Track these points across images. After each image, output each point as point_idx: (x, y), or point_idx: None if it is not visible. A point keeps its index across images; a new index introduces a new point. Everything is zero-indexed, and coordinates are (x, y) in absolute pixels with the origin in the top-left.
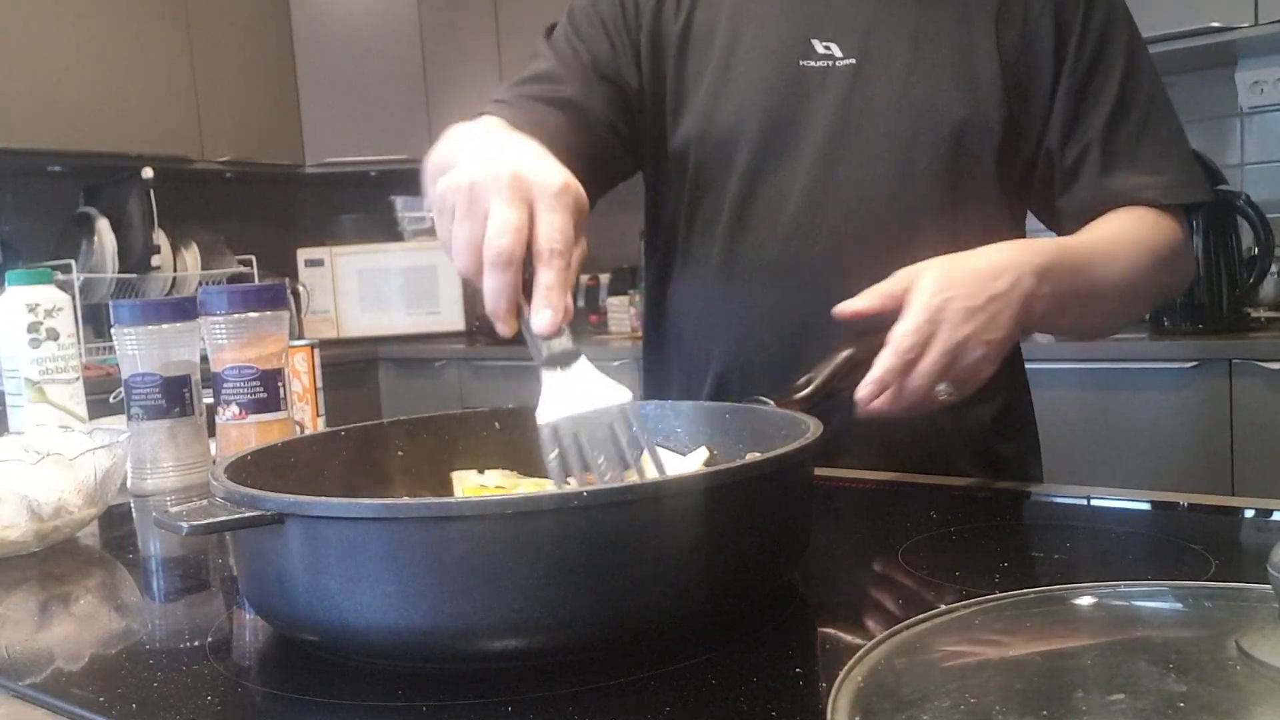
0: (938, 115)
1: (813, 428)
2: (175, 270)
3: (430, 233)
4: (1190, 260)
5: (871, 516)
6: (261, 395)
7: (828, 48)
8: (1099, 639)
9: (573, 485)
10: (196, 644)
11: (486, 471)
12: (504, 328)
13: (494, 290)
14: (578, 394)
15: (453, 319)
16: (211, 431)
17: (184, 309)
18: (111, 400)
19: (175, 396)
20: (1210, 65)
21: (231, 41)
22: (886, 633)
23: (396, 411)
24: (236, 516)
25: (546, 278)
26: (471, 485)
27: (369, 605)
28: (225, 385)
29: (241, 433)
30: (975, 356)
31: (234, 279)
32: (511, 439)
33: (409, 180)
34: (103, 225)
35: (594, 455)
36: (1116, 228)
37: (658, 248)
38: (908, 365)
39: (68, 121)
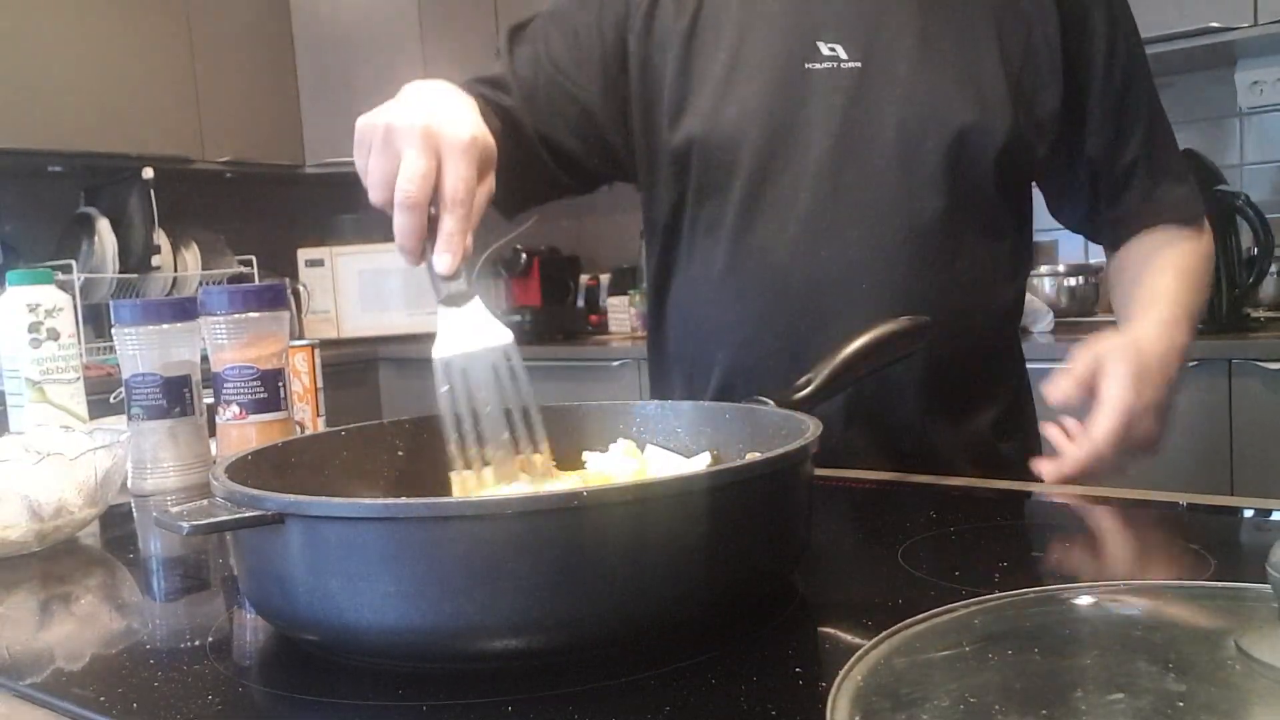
0: (943, 119)
1: (813, 428)
2: (176, 270)
3: None
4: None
5: (871, 516)
6: (262, 395)
7: (833, 50)
8: (1098, 638)
9: (461, 419)
10: (197, 644)
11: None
12: (410, 260)
13: (401, 229)
14: (468, 331)
15: None
16: (212, 431)
17: (184, 309)
18: (112, 400)
19: (176, 396)
20: (1210, 65)
21: (232, 41)
22: (886, 633)
23: (396, 411)
24: (237, 516)
25: (448, 224)
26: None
27: (369, 605)
28: (226, 385)
29: (242, 433)
30: (1152, 436)
31: (234, 279)
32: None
33: None
34: (103, 225)
35: (478, 390)
36: (1182, 267)
37: (656, 249)
38: (1101, 459)
39: (68, 122)
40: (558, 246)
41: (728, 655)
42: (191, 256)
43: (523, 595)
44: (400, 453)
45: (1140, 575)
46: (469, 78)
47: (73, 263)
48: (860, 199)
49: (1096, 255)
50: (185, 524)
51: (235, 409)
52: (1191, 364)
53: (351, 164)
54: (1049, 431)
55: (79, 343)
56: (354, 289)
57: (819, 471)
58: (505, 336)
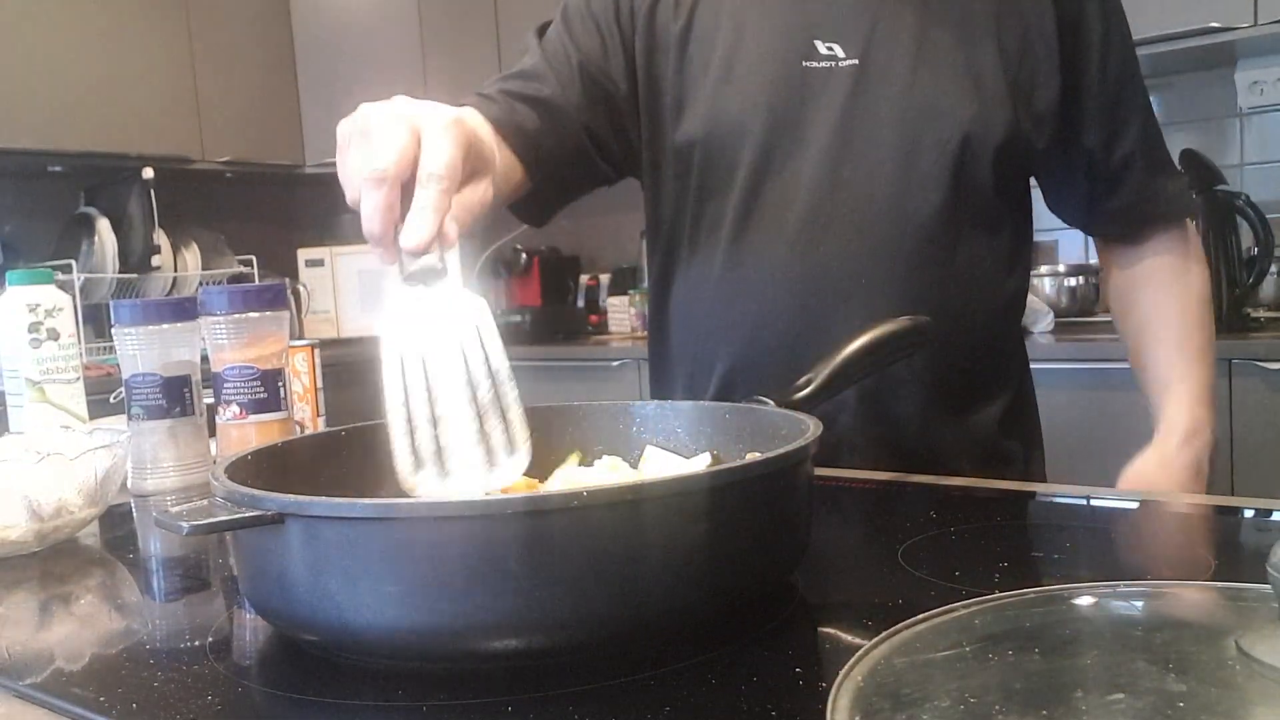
0: (941, 116)
1: (813, 428)
2: (176, 270)
3: None
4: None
5: (871, 516)
6: (262, 395)
7: (830, 48)
8: (1098, 638)
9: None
10: (197, 644)
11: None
12: (382, 253)
13: (369, 210)
14: (430, 312)
15: None
16: (212, 431)
17: (184, 309)
18: (112, 400)
19: (176, 396)
20: (1210, 65)
21: (232, 42)
22: (886, 633)
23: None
24: (237, 516)
25: (422, 199)
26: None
27: (369, 605)
28: (226, 385)
29: (242, 433)
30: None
31: (234, 279)
32: None
33: None
34: (103, 225)
35: (440, 387)
36: (1189, 321)
37: (659, 248)
38: None
39: (68, 122)
40: (558, 246)
41: (728, 655)
42: (191, 256)
43: (523, 595)
44: None
45: (1140, 575)
46: (501, 74)
47: (73, 263)
48: (859, 196)
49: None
50: (185, 524)
51: (235, 409)
52: None
53: None
54: None
55: (79, 343)
56: (354, 289)
57: (819, 471)
58: (474, 310)
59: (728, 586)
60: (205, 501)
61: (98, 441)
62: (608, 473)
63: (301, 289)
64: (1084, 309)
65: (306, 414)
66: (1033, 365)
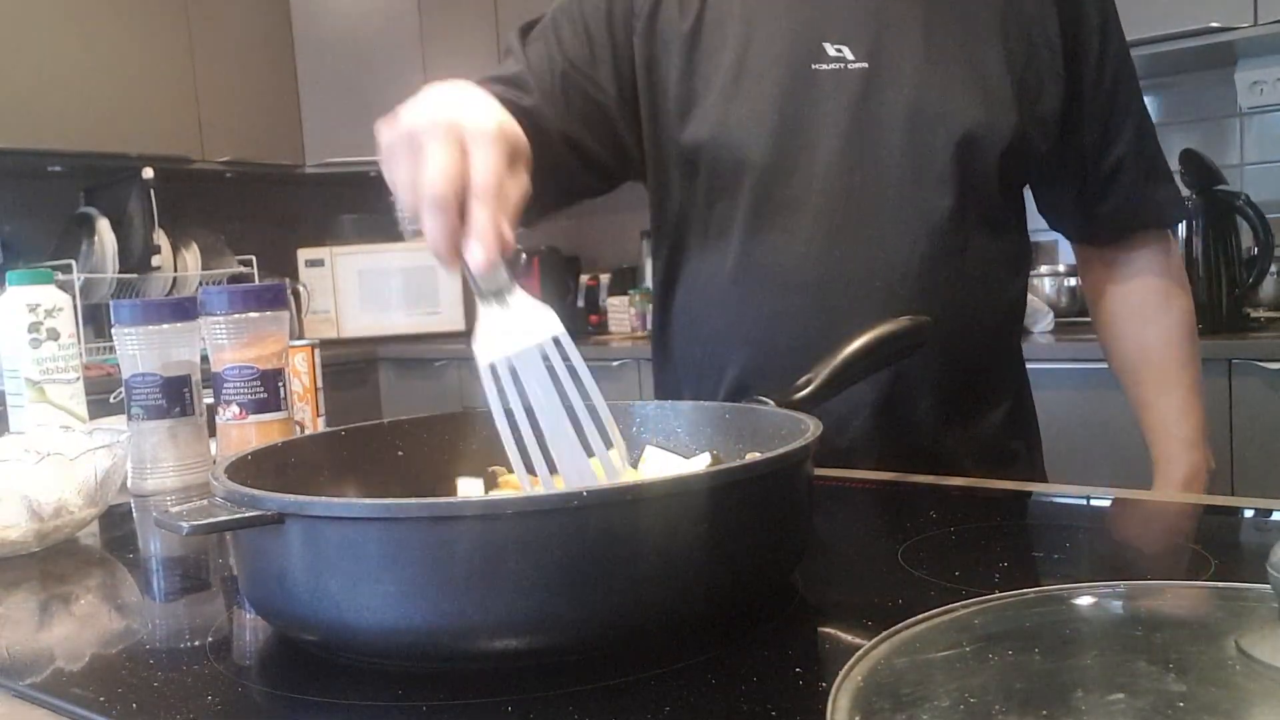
0: (950, 119)
1: (813, 428)
2: (175, 270)
3: None
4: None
5: (871, 516)
6: (262, 395)
7: (839, 51)
8: (1098, 638)
9: (515, 422)
10: (197, 644)
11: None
12: (447, 264)
13: (432, 230)
14: (513, 328)
15: (453, 319)
16: (212, 431)
17: (184, 309)
18: (112, 400)
19: (175, 396)
20: (1210, 65)
21: (232, 42)
22: (886, 633)
23: (396, 411)
24: (237, 516)
25: (479, 216)
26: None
27: (369, 605)
28: (225, 385)
29: (242, 433)
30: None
31: (234, 279)
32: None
33: None
34: (103, 225)
35: (531, 388)
36: (1179, 357)
37: (664, 250)
38: None
39: (68, 121)
40: (558, 246)
41: (728, 655)
42: (191, 256)
43: (523, 595)
44: (400, 453)
45: (1140, 575)
46: (482, 76)
47: (73, 263)
48: (871, 198)
49: None
50: (185, 524)
51: (235, 409)
52: None
53: (351, 163)
54: None
55: (79, 343)
56: (354, 289)
57: (819, 471)
58: (554, 327)
59: (728, 586)
60: (205, 501)
61: (98, 441)
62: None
63: (301, 289)
64: (1084, 309)
65: (306, 414)
66: (1033, 365)
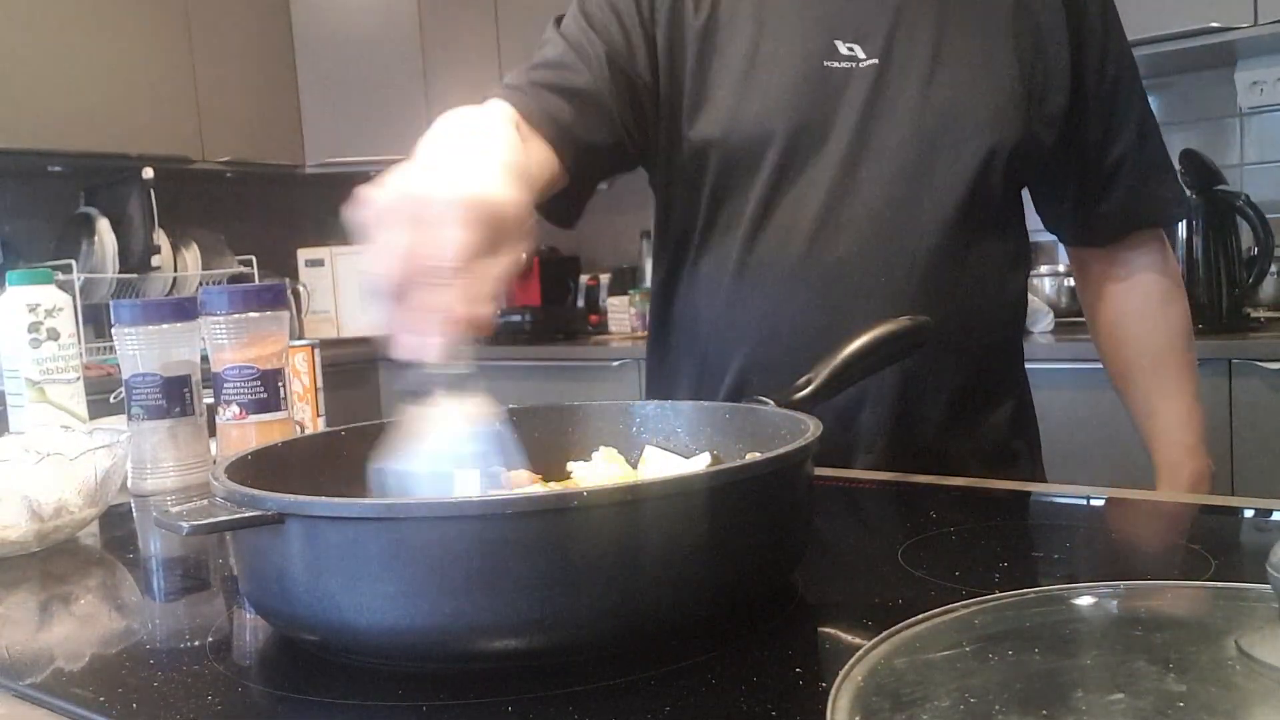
0: (960, 117)
1: (813, 428)
2: (176, 270)
3: None
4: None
5: (871, 516)
6: (262, 395)
7: (851, 49)
8: (1098, 638)
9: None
10: (197, 644)
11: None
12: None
13: (385, 326)
14: (453, 437)
15: None
16: (212, 431)
17: (184, 309)
18: (112, 400)
19: (176, 396)
20: (1210, 65)
21: (232, 42)
22: (886, 633)
23: (396, 411)
24: (237, 516)
25: (427, 301)
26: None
27: (369, 605)
28: (226, 385)
29: (242, 433)
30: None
31: (234, 279)
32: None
33: None
34: (103, 225)
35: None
36: (1179, 361)
37: (667, 247)
38: None
39: (68, 121)
40: (558, 246)
41: (728, 655)
42: (191, 256)
43: (523, 595)
44: None
45: (1140, 575)
46: (528, 64)
47: (73, 262)
48: (877, 195)
49: None
50: (185, 524)
51: (235, 409)
52: None
53: (351, 164)
54: None
55: (79, 343)
56: (354, 289)
57: (819, 471)
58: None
59: (728, 586)
60: (205, 501)
61: (98, 441)
62: (604, 464)
63: (301, 289)
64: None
65: (306, 414)
66: (1033, 365)
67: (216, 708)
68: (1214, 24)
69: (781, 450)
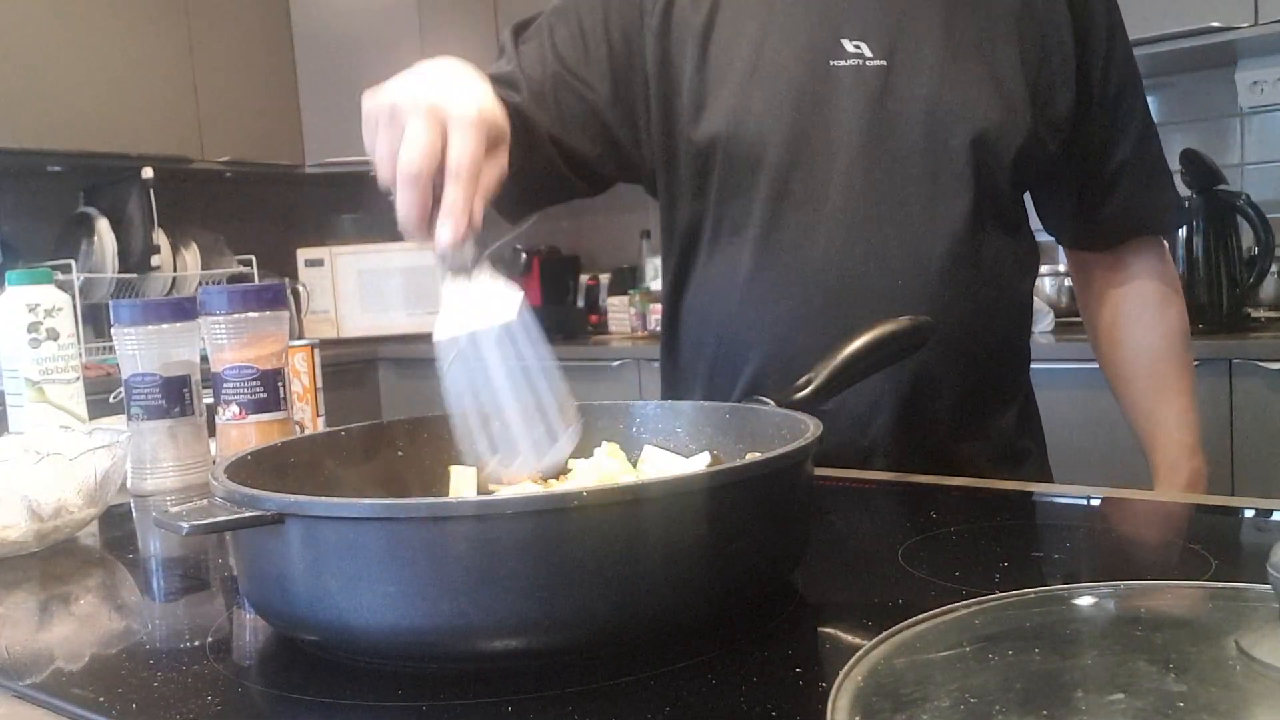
0: (968, 117)
1: (813, 428)
2: (175, 270)
3: None
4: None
5: (871, 516)
6: (261, 395)
7: (857, 47)
8: (1098, 638)
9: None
10: (196, 644)
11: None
12: (415, 237)
13: (404, 204)
14: (474, 306)
15: None
16: (211, 431)
17: (184, 309)
18: (111, 400)
19: (175, 396)
20: (1210, 65)
21: (231, 41)
22: (886, 633)
23: (396, 411)
24: (236, 516)
25: (452, 194)
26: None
27: (369, 605)
28: (225, 385)
29: (241, 433)
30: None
31: (234, 279)
32: None
33: None
34: (103, 225)
35: (489, 367)
36: (1178, 363)
37: (674, 248)
38: None
39: (68, 121)
40: (558, 246)
41: (728, 655)
42: (191, 256)
43: (523, 595)
44: (400, 453)
45: (1140, 575)
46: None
47: (72, 262)
48: (891, 196)
49: None
50: (185, 524)
51: (235, 409)
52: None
53: (351, 163)
54: None
55: (78, 343)
56: (354, 289)
57: (819, 471)
58: (514, 302)
59: (728, 586)
60: (205, 501)
61: (97, 441)
62: (605, 460)
63: (301, 289)
64: None
65: (306, 414)
66: (1033, 365)
67: (216, 708)
68: (1214, 24)
69: (781, 450)
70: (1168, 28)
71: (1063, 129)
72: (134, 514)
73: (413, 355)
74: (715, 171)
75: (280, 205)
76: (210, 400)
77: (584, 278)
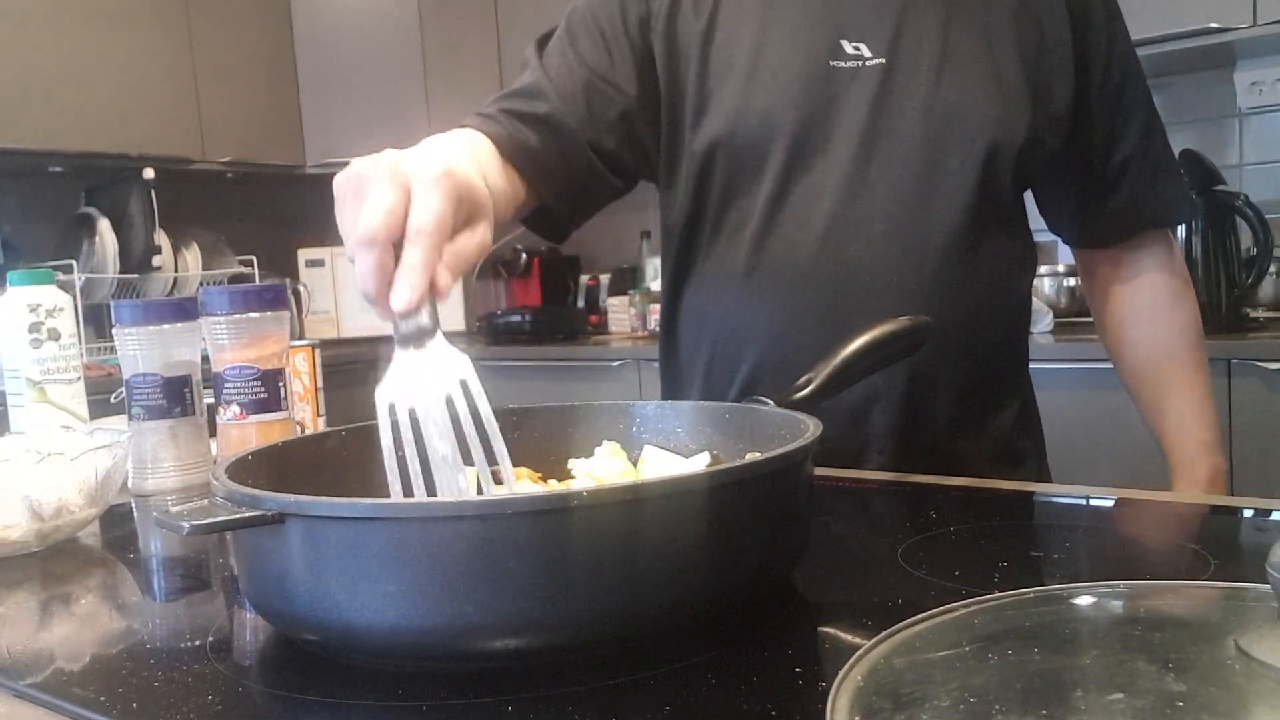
0: (967, 117)
1: (812, 428)
2: (176, 270)
3: None
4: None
5: (871, 516)
6: (262, 395)
7: (857, 48)
8: (1098, 638)
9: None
10: (197, 643)
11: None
12: (378, 310)
13: (362, 270)
14: (422, 371)
15: (453, 319)
16: (212, 431)
17: (185, 309)
18: (112, 400)
19: (176, 396)
20: (1209, 66)
21: (232, 42)
22: (886, 632)
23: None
24: (237, 516)
25: (410, 256)
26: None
27: (369, 605)
28: (226, 385)
29: (242, 433)
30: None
31: (235, 279)
32: (511, 438)
33: None
34: (104, 225)
35: (429, 433)
36: (1192, 359)
37: (673, 248)
38: None
39: (69, 122)
40: (558, 246)
41: (728, 655)
42: (192, 257)
43: (523, 595)
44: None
45: (1140, 575)
46: (502, 92)
47: (73, 263)
48: (887, 194)
49: None
50: (185, 524)
51: (236, 409)
52: None
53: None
54: None
55: (79, 343)
56: (354, 289)
57: (820, 471)
58: (462, 368)
59: (728, 586)
60: (206, 501)
61: (98, 441)
62: (606, 459)
63: (302, 289)
64: (1083, 309)
65: (307, 414)
66: (1033, 365)
67: (217, 707)
68: (1213, 24)
69: (781, 450)
70: (1166, 28)
71: (1063, 124)
72: (135, 514)
73: None
74: (716, 172)
75: (281, 205)
76: (211, 400)
77: (584, 278)
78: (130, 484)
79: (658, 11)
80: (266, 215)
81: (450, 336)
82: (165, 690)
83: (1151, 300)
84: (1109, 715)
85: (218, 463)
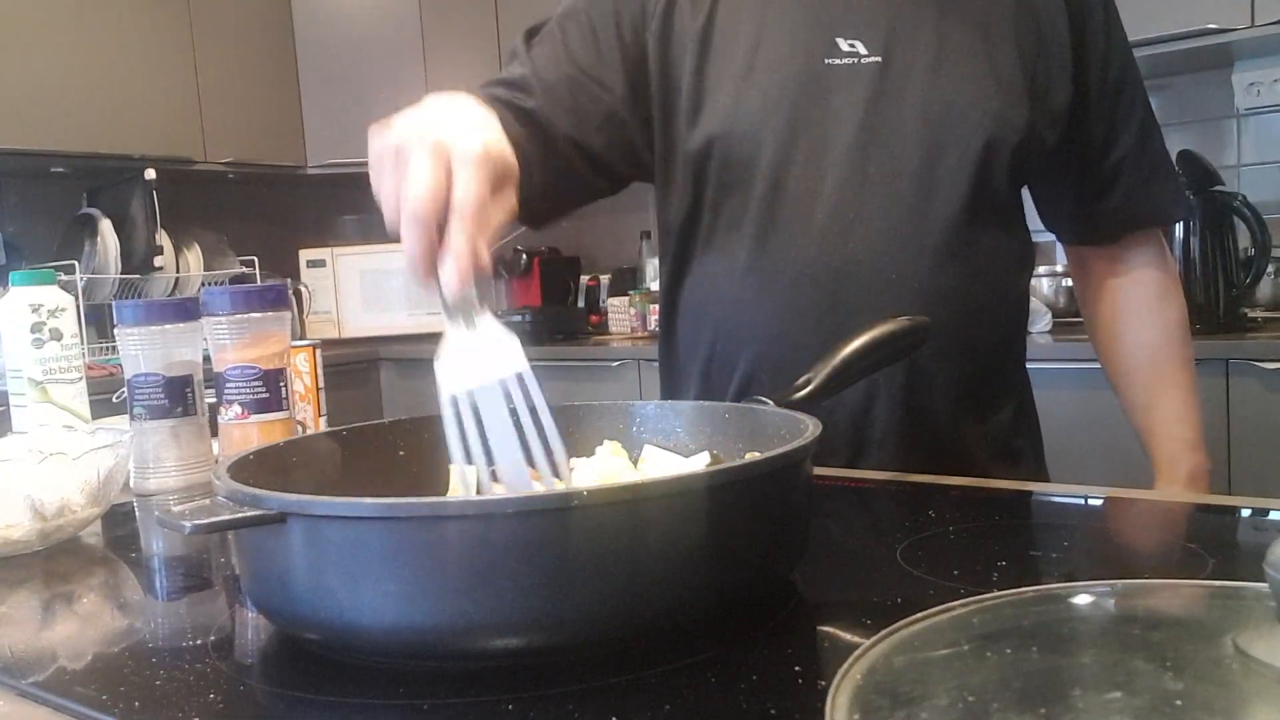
0: (964, 114)
1: (812, 428)
2: (178, 271)
3: None
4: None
5: (871, 516)
6: (264, 395)
7: (852, 45)
8: (1096, 637)
9: (471, 458)
10: (199, 642)
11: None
12: (420, 280)
13: (409, 247)
14: (479, 357)
15: None
16: (214, 431)
17: (187, 309)
18: (114, 400)
19: (178, 396)
20: (1207, 66)
21: (233, 42)
22: (885, 631)
23: (398, 411)
24: (239, 516)
25: (455, 240)
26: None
27: (370, 604)
28: (228, 385)
29: (244, 432)
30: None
31: (236, 279)
32: None
33: None
34: (106, 226)
35: (491, 423)
36: (1180, 357)
37: (671, 247)
38: None
39: (71, 123)
40: (558, 247)
41: (728, 655)
42: (194, 257)
43: (523, 595)
44: (401, 453)
45: (1139, 575)
46: (487, 80)
47: (75, 263)
48: (885, 192)
49: None
50: (187, 523)
51: (237, 409)
52: None
53: (352, 164)
54: None
55: (81, 343)
56: (355, 289)
57: (819, 471)
58: (519, 361)
59: (728, 586)
60: (207, 501)
61: (100, 441)
62: (607, 459)
63: (303, 289)
64: None
65: (308, 414)
66: (1033, 365)
67: (219, 706)
68: (1211, 25)
69: (781, 450)
70: (1164, 29)
71: (1061, 122)
72: (137, 513)
73: (414, 355)
74: (712, 170)
75: (282, 206)
76: (213, 400)
77: (584, 278)
78: (132, 483)
79: (654, 10)
80: (268, 216)
81: None
82: (167, 689)
83: (1140, 298)
84: (1107, 714)
85: (219, 462)
